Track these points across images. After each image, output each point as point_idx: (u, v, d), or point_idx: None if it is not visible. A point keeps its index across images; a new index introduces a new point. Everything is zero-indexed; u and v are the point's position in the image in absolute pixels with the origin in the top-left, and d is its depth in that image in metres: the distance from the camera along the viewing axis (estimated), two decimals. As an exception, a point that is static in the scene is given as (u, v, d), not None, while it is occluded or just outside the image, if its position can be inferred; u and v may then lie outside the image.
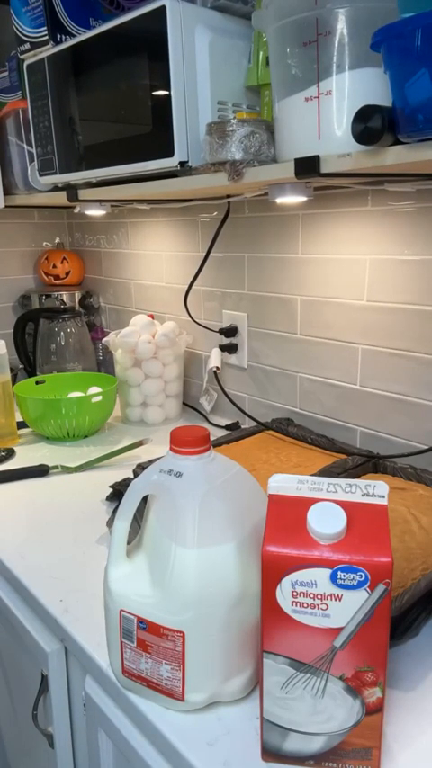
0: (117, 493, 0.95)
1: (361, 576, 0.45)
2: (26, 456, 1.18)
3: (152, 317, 1.35)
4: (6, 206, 1.29)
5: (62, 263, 1.68)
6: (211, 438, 0.66)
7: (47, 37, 1.01)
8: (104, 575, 0.59)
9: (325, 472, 0.91)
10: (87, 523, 0.91)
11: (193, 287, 1.29)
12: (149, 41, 0.82)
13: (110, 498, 0.97)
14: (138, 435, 1.25)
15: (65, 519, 0.93)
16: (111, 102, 0.92)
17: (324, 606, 0.46)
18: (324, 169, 0.67)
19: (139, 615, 0.55)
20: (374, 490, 0.49)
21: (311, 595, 0.46)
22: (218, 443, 1.07)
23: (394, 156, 0.60)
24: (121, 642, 0.57)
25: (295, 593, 0.46)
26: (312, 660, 0.47)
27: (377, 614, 0.45)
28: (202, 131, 0.85)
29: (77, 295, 1.66)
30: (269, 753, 0.51)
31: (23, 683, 0.86)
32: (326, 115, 0.67)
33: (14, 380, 1.42)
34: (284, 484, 0.50)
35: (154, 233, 1.45)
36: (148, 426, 1.33)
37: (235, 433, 1.12)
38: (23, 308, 1.67)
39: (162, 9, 0.79)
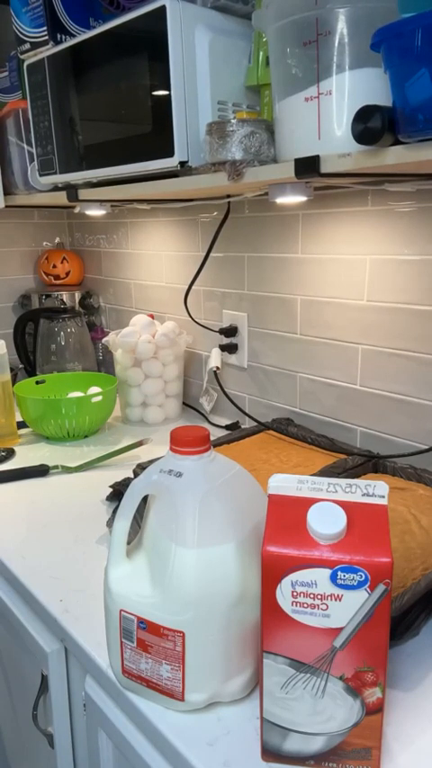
0: (117, 493, 0.95)
1: (361, 576, 0.45)
2: (26, 456, 1.18)
3: (152, 316, 1.35)
4: (6, 206, 1.29)
5: (62, 262, 1.68)
6: (211, 438, 0.66)
7: (47, 37, 1.01)
8: (104, 575, 0.59)
9: (325, 472, 0.91)
10: (87, 523, 0.91)
11: (193, 287, 1.29)
12: (149, 41, 0.82)
13: (110, 498, 0.97)
14: (138, 435, 1.25)
15: (65, 519, 0.93)
16: (111, 102, 0.92)
17: (324, 606, 0.46)
18: (324, 169, 0.67)
19: (139, 615, 0.55)
20: (374, 490, 0.49)
21: (311, 595, 0.46)
22: (218, 443, 1.07)
23: (394, 156, 0.60)
24: (121, 642, 0.57)
25: (295, 594, 0.46)
26: (312, 660, 0.47)
27: (377, 614, 0.45)
28: (202, 131, 0.85)
29: (77, 295, 1.66)
30: (269, 753, 0.51)
31: (23, 683, 0.86)
32: (326, 115, 0.67)
33: (14, 380, 1.42)
34: (284, 484, 0.50)
35: (154, 233, 1.45)
36: (148, 426, 1.33)
37: (235, 433, 1.12)
38: (23, 308, 1.67)
39: (162, 9, 0.79)
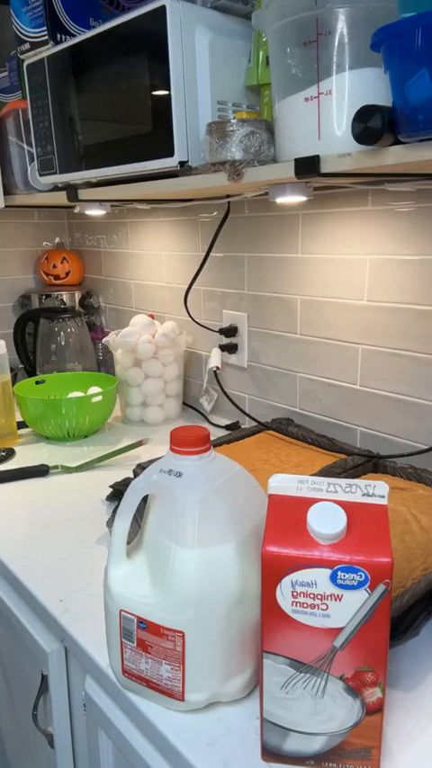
0: (117, 493, 0.95)
1: (361, 576, 0.45)
2: (26, 456, 1.18)
3: (152, 316, 1.35)
4: (6, 206, 1.29)
5: (62, 262, 1.68)
6: (211, 438, 0.66)
7: (47, 37, 1.01)
8: (104, 575, 0.59)
9: (325, 472, 0.91)
10: (87, 523, 0.91)
11: (193, 287, 1.29)
12: (149, 41, 0.82)
13: (110, 498, 0.97)
14: (138, 435, 1.25)
15: (65, 519, 0.93)
16: (111, 102, 0.92)
17: (324, 606, 0.46)
18: (324, 169, 0.67)
19: (139, 615, 0.55)
20: (374, 490, 0.49)
21: (311, 595, 0.46)
22: (218, 443, 1.07)
23: (394, 156, 0.60)
24: (121, 642, 0.57)
25: (295, 594, 0.46)
26: (312, 660, 0.47)
27: (377, 614, 0.45)
28: (202, 131, 0.85)
29: (77, 295, 1.66)
30: (269, 753, 0.51)
31: (23, 683, 0.86)
32: (326, 115, 0.67)
33: (14, 380, 1.42)
34: (284, 484, 0.50)
35: (154, 233, 1.45)
36: (148, 426, 1.33)
37: (235, 433, 1.12)
38: (23, 308, 1.67)
39: (162, 9, 0.79)
